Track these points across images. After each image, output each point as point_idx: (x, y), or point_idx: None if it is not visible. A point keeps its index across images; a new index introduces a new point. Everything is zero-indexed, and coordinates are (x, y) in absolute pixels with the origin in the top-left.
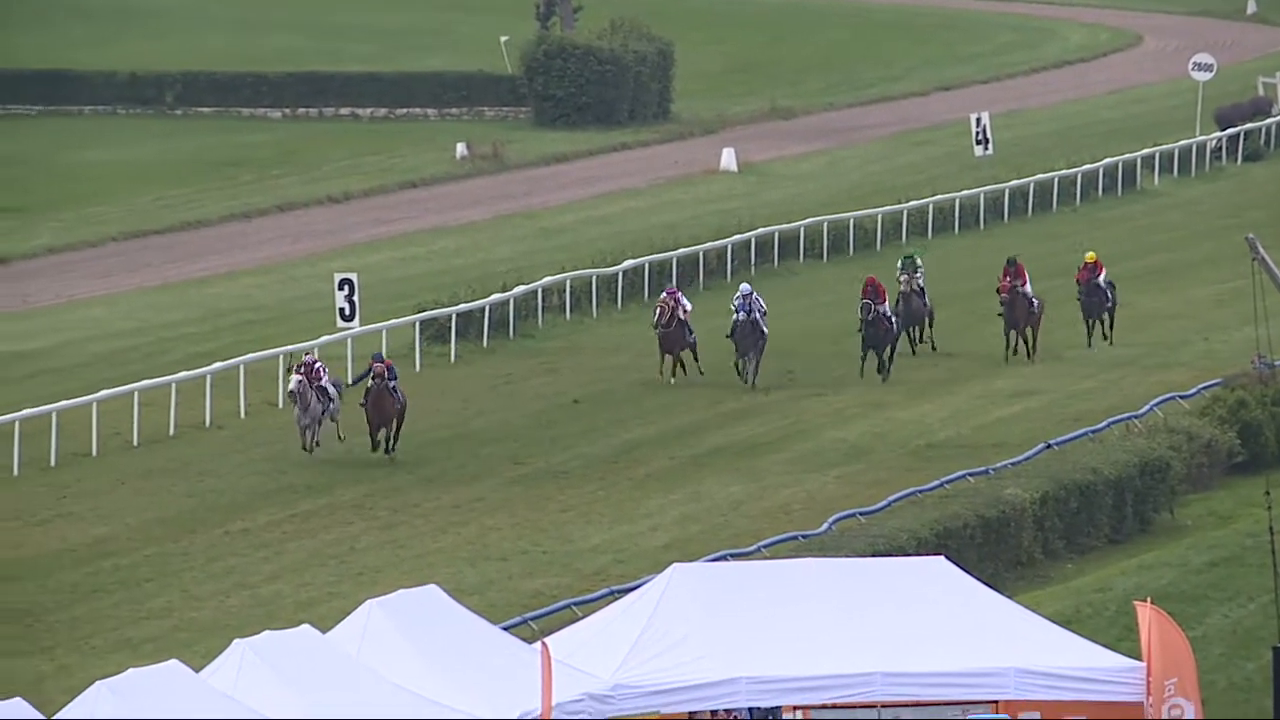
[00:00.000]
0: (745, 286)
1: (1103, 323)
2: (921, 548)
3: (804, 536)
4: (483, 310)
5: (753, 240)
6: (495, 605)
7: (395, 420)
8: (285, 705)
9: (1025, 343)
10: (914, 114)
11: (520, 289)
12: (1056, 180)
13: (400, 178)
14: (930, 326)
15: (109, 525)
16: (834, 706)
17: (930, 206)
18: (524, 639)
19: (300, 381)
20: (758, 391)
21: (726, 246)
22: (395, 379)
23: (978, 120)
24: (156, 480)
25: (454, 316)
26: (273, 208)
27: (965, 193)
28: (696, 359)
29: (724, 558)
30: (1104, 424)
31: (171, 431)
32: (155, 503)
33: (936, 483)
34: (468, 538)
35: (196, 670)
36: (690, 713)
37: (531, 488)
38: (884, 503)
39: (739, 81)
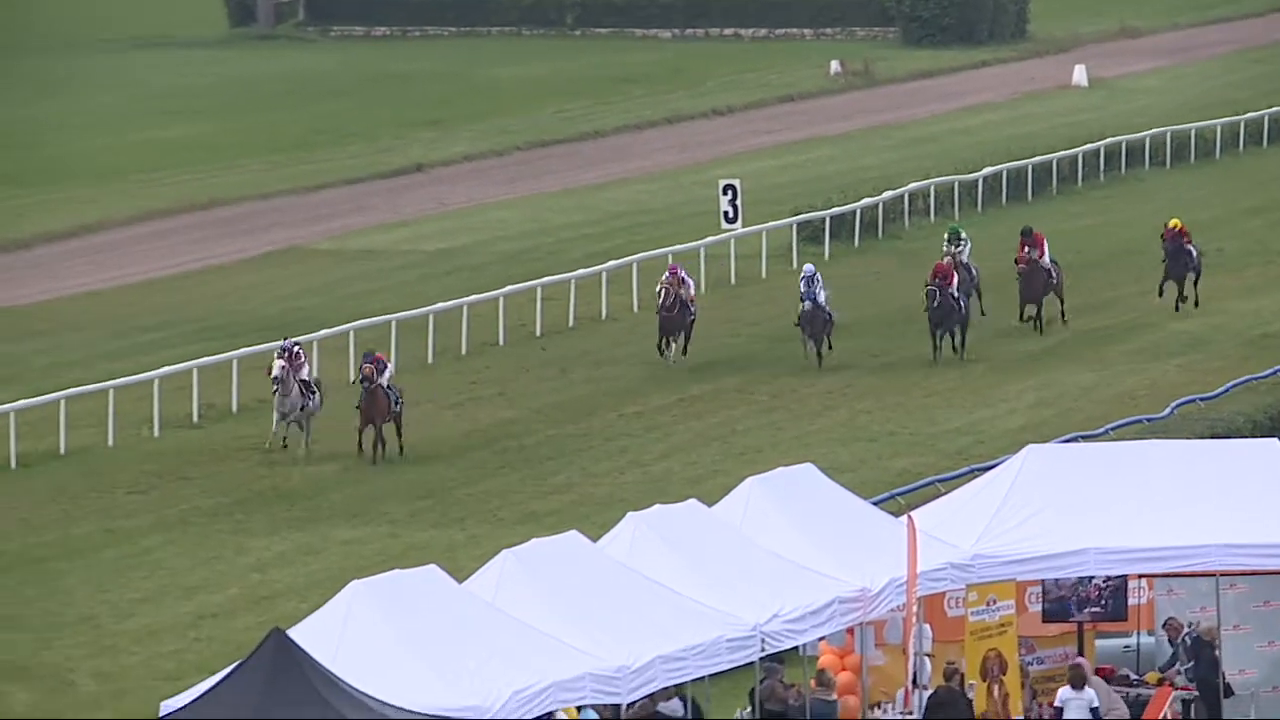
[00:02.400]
0: (809, 267)
1: (1184, 284)
2: (1256, 430)
3: (1148, 420)
4: (854, 213)
5: (1101, 150)
6: (865, 482)
7: (393, 420)
8: (674, 571)
9: (1041, 312)
10: (1254, 34)
11: (888, 194)
12: None
13: (778, 92)
14: (979, 297)
15: (514, 409)
16: (1174, 575)
17: (1266, 118)
18: (891, 513)
19: (284, 367)
20: (1100, 292)
21: (1077, 155)
22: (385, 371)
23: None
24: (557, 368)
25: (828, 219)
26: (662, 120)
27: None
28: (688, 340)
29: (1074, 439)
30: None
31: (570, 323)
32: (556, 388)
33: (1271, 370)
34: (840, 420)
35: (594, 540)
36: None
37: (897, 376)
38: (1222, 389)
39: (1090, 3)
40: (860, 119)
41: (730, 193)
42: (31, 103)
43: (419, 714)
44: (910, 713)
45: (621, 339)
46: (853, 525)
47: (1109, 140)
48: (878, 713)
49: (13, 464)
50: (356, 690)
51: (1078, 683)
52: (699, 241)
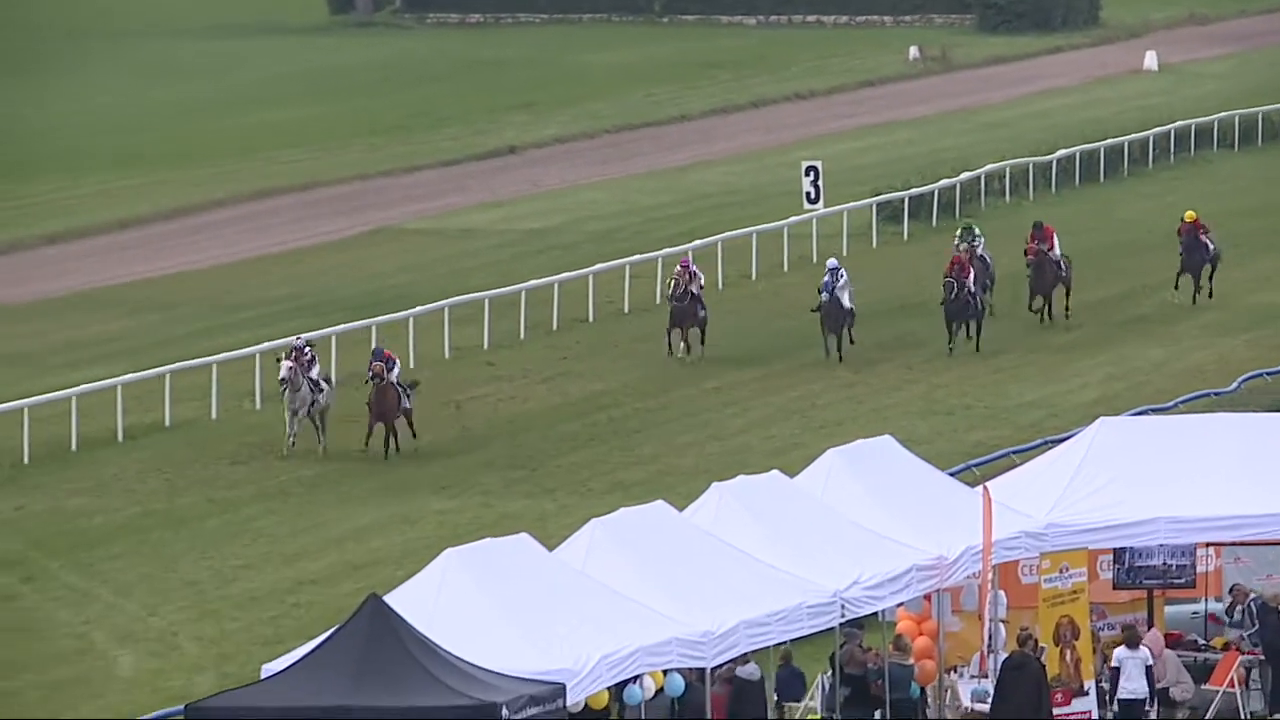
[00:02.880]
0: (832, 261)
1: (1199, 277)
2: None
3: (1216, 394)
4: (932, 194)
5: (1171, 133)
6: (942, 454)
7: (404, 415)
8: (757, 540)
9: (1050, 305)
10: None
11: (965, 175)
12: None
13: (859, 77)
14: (991, 289)
15: (603, 382)
16: (1241, 544)
17: None
18: (967, 484)
19: (291, 368)
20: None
21: (1148, 138)
22: (395, 367)
23: None
24: (644, 344)
25: (906, 199)
26: (747, 104)
27: None
28: (703, 338)
29: (1145, 412)
30: None
31: (657, 300)
32: (642, 363)
33: None
34: (917, 394)
35: (679, 510)
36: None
37: (973, 351)
38: None
39: None
40: (938, 103)
41: (812, 174)
42: (148, 88)
43: (511, 677)
44: (985, 676)
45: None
46: (930, 495)
47: (1178, 124)
48: (953, 677)
49: (119, 436)
50: (450, 654)
51: (1133, 642)
52: (782, 221)
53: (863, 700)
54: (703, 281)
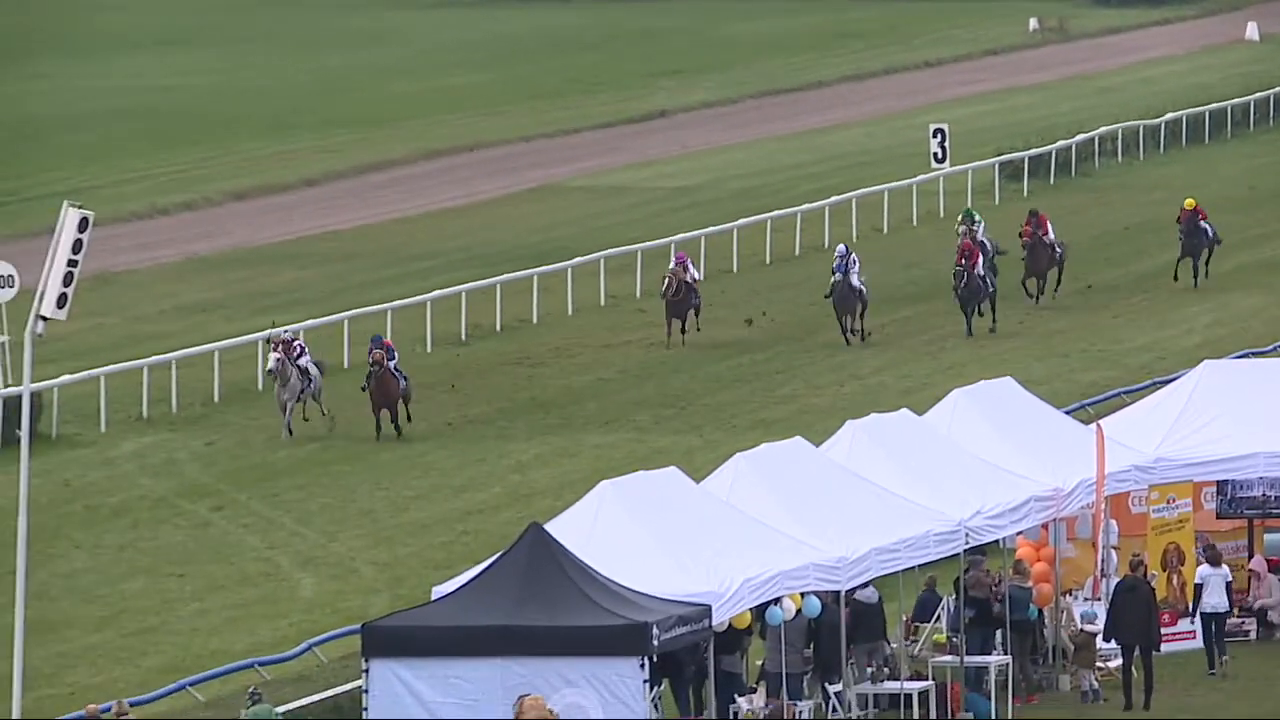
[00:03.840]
0: (842, 247)
1: (1197, 261)
2: None
3: None
4: (1050, 154)
5: (1271, 97)
6: (1058, 393)
7: (402, 400)
8: (888, 473)
9: (1045, 283)
10: None
11: (1080, 136)
12: None
13: (983, 46)
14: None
15: (743, 328)
16: None
17: None
18: (1081, 421)
19: (279, 359)
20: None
21: (1249, 102)
22: (394, 358)
23: None
24: (784, 291)
25: (1026, 159)
26: (879, 71)
27: None
28: (698, 318)
29: (1247, 355)
30: None
31: (797, 252)
32: (785, 309)
33: None
34: (1035, 338)
35: (816, 445)
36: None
37: (1088, 298)
38: None
39: None
40: (1055, 70)
41: (939, 135)
42: (347, 54)
43: (660, 599)
44: (1097, 599)
45: None
46: (1047, 432)
47: (1278, 89)
48: (1068, 599)
49: (257, 386)
50: (605, 578)
51: (1214, 561)
52: (911, 179)
53: (985, 621)
54: (696, 275)
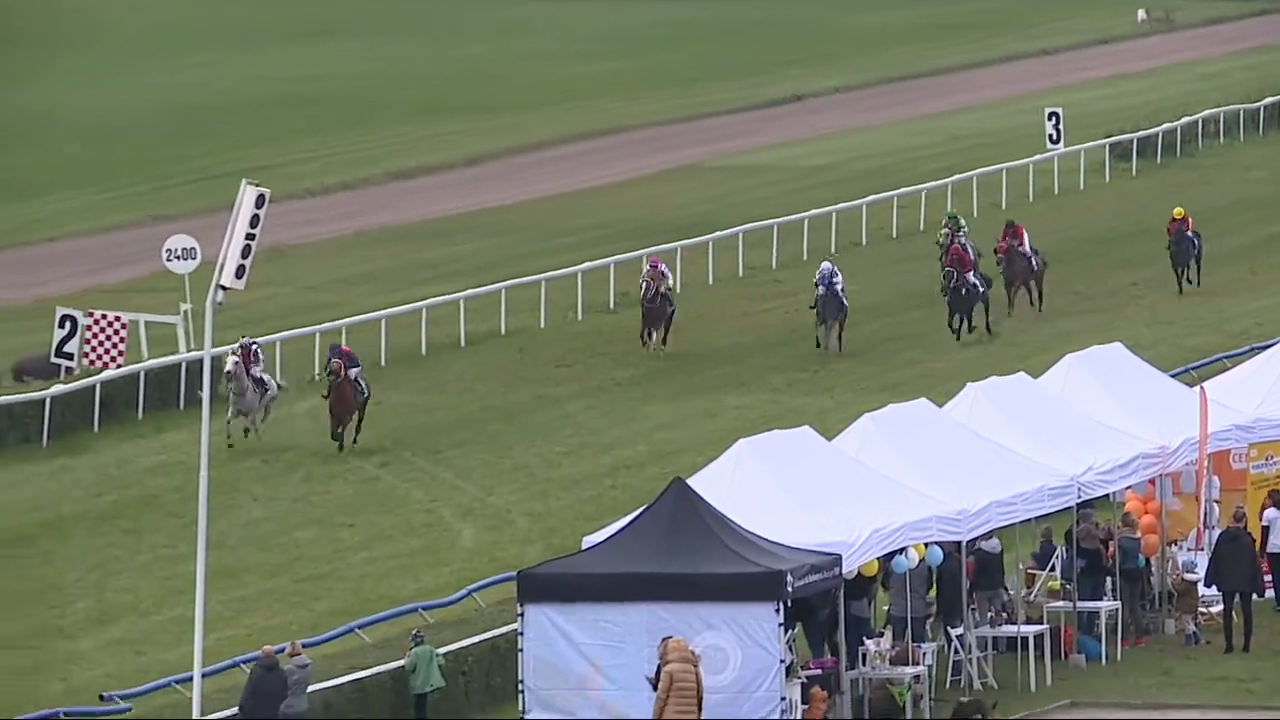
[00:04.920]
0: (826, 265)
1: (1189, 268)
2: None
3: None
4: (1157, 135)
5: None
6: (1164, 358)
7: (357, 412)
8: (1005, 431)
9: (1029, 295)
10: None
11: (1185, 119)
12: None
13: (1094, 36)
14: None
15: (875, 296)
16: None
17: None
18: (1186, 384)
19: (237, 364)
20: None
21: None
22: (358, 366)
23: None
24: (910, 264)
25: (1134, 140)
26: (996, 59)
27: None
28: (668, 330)
29: None
30: None
31: (921, 227)
32: (907, 281)
33: None
34: (1143, 307)
35: (939, 406)
36: None
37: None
38: None
39: None
40: (1162, 58)
41: (1054, 119)
42: (494, 44)
43: (794, 548)
44: (1200, 549)
45: None
46: (1153, 394)
47: None
48: (1173, 549)
49: (462, 342)
50: (742, 529)
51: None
52: (1028, 159)
53: (1096, 570)
54: (670, 282)
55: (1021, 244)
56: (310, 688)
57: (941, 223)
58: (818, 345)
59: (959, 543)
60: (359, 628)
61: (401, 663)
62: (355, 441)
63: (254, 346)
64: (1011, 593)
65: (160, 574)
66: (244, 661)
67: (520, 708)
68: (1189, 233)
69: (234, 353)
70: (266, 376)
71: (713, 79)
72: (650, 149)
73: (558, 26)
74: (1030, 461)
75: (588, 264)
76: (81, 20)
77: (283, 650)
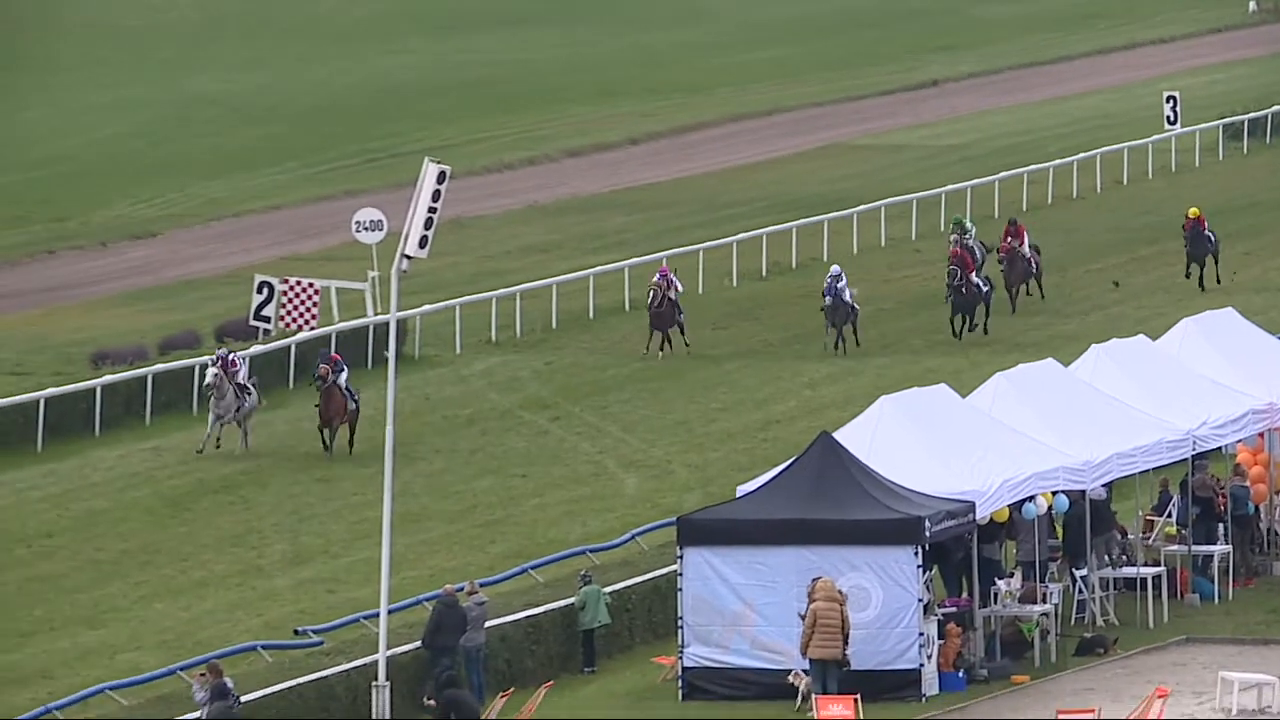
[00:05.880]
0: (835, 269)
1: (1205, 265)
2: None
3: None
4: (1266, 117)
5: None
6: (1274, 322)
7: (347, 418)
8: (1125, 389)
9: (1028, 293)
10: None
11: None
12: None
13: (1209, 25)
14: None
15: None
16: None
17: None
18: None
19: (217, 374)
20: None
21: None
22: (343, 371)
23: None
24: (1038, 235)
25: (1246, 121)
26: (1119, 46)
27: None
28: (684, 334)
29: None
30: None
31: (1049, 201)
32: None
33: None
34: (1254, 275)
35: (1065, 366)
36: None
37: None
38: None
39: None
40: (1272, 45)
41: (1171, 101)
42: (665, 31)
43: (931, 496)
44: None
45: (1086, 213)
46: (1262, 355)
47: None
48: None
49: (626, 307)
50: (884, 478)
51: None
52: (1147, 139)
53: (1209, 516)
54: (680, 288)
55: (1022, 244)
56: (487, 623)
57: (949, 228)
58: (830, 347)
59: (1083, 491)
60: (532, 568)
61: (571, 600)
62: (335, 448)
63: (232, 356)
64: (1131, 537)
65: (349, 519)
66: (426, 599)
67: (679, 642)
68: (1205, 231)
69: (213, 364)
70: (249, 386)
71: (860, 65)
72: (802, 129)
73: (726, 17)
74: (1149, 417)
75: (742, 234)
76: (303, 10)
77: (462, 589)
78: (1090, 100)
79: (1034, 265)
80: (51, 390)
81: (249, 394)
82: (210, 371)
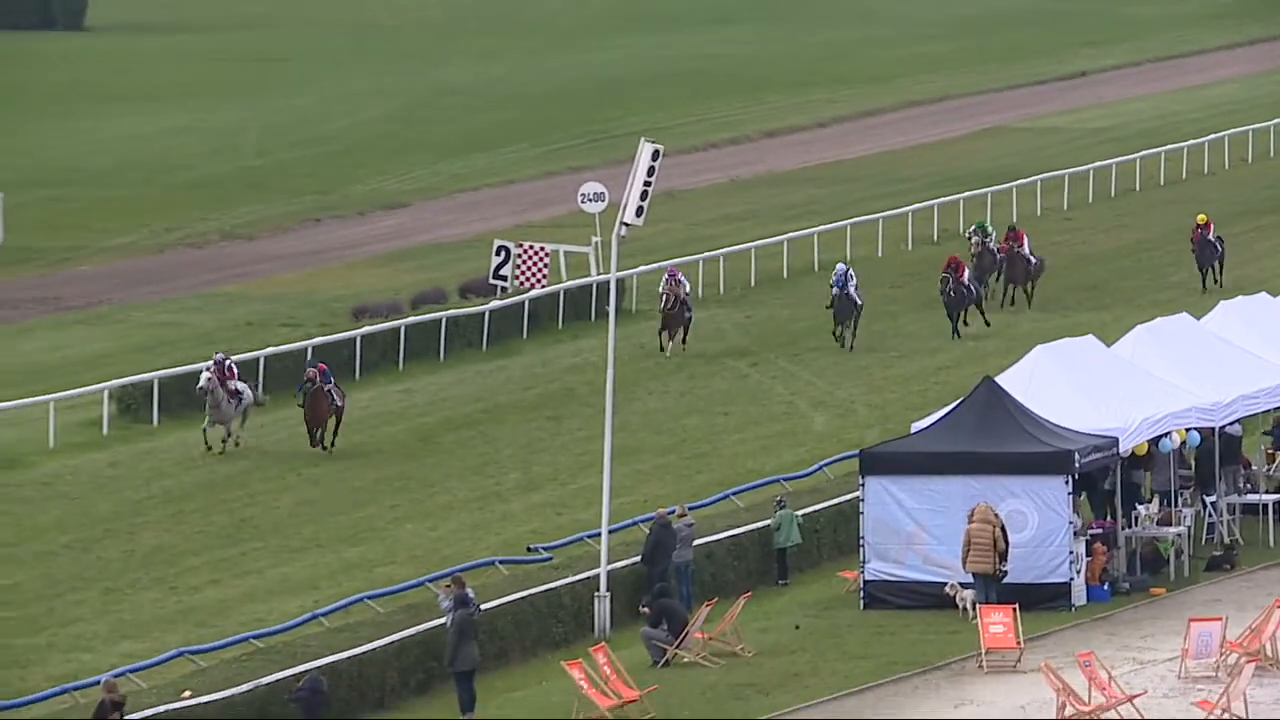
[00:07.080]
0: (841, 266)
1: (1214, 270)
2: None
3: None
4: None
5: None
6: None
7: (334, 419)
8: (1251, 339)
9: (1025, 294)
10: None
11: None
12: None
13: None
14: (998, 279)
15: (1144, 233)
16: None
17: None
18: None
19: (210, 379)
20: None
21: None
22: (330, 382)
23: None
24: (1176, 207)
25: None
26: (1246, 41)
27: None
28: (686, 334)
29: None
30: None
31: (1184, 176)
32: (1173, 220)
33: None
34: None
35: (1197, 319)
36: None
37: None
38: None
39: None
40: None
41: None
42: (849, 29)
43: (1080, 432)
44: None
45: (1216, 187)
46: None
47: None
48: None
49: (815, 267)
50: (1039, 416)
51: None
52: (1269, 121)
53: None
54: (688, 288)
55: (1021, 247)
56: (695, 542)
57: (970, 231)
58: (836, 340)
59: (1213, 428)
60: (733, 495)
61: (767, 522)
62: (333, 444)
63: (227, 361)
64: (1254, 468)
65: (575, 451)
66: (641, 521)
67: (861, 558)
68: (1211, 238)
69: (208, 369)
70: (242, 386)
71: (1019, 58)
72: (967, 114)
73: (902, 16)
74: (1270, 362)
75: (916, 205)
76: (534, 10)
77: (674, 512)
78: (1220, 89)
79: (1031, 268)
80: (318, 339)
81: (241, 397)
82: (204, 376)
